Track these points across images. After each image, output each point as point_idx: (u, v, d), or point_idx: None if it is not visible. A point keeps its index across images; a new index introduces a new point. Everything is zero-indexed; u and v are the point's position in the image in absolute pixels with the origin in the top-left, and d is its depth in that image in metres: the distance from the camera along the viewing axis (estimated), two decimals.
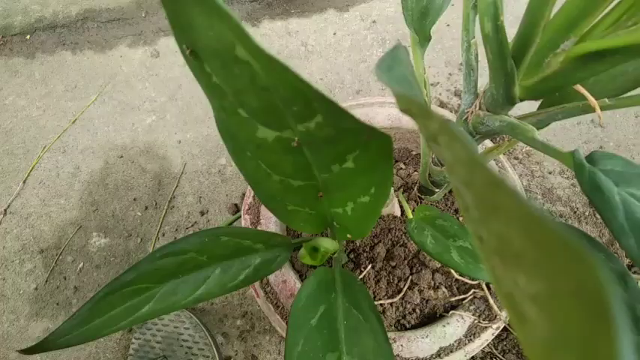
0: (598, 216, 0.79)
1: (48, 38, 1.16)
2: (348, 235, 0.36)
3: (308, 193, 0.30)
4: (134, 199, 0.91)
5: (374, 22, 1.07)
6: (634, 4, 0.23)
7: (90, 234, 0.89)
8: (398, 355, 0.50)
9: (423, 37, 0.42)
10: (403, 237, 0.59)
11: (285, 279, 0.53)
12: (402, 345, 0.50)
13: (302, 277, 0.56)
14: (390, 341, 0.41)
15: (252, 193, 0.58)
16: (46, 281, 0.85)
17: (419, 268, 0.56)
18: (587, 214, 0.80)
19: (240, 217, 0.85)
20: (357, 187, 0.29)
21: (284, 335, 0.53)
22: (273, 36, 1.09)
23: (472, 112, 0.38)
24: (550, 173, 0.84)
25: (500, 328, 0.51)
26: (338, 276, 0.37)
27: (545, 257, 0.07)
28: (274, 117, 0.22)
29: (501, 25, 0.26)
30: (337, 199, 0.31)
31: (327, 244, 0.37)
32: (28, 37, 1.17)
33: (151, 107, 1.02)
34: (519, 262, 0.08)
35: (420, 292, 0.55)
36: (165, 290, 0.34)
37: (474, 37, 0.35)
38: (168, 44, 1.11)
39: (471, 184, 0.10)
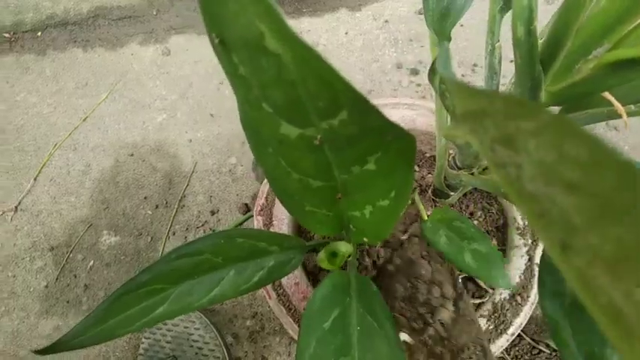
0: None
1: (59, 35, 1.17)
2: (365, 239, 0.35)
3: (326, 194, 0.30)
4: (145, 198, 0.91)
5: (386, 21, 1.06)
6: None
7: (100, 232, 0.89)
8: None
9: (443, 38, 0.42)
10: None
11: (298, 281, 0.53)
12: None
13: (314, 279, 0.56)
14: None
15: (265, 194, 0.58)
16: (57, 279, 0.85)
17: None
18: None
19: (250, 217, 0.85)
20: (377, 190, 0.29)
21: (295, 338, 0.53)
22: None
23: None
24: None
25: (515, 335, 0.50)
26: (353, 280, 0.37)
27: None
28: (299, 113, 0.21)
29: (534, 29, 0.26)
30: (356, 202, 0.30)
31: (344, 247, 0.36)
32: (39, 33, 1.17)
33: (162, 105, 1.02)
34: None
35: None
36: (180, 291, 0.34)
37: (499, 40, 0.34)
38: (179, 42, 1.11)
39: (584, 186, 0.09)
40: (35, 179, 0.96)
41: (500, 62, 0.36)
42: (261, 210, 0.58)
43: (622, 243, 0.08)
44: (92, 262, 0.86)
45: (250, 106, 0.22)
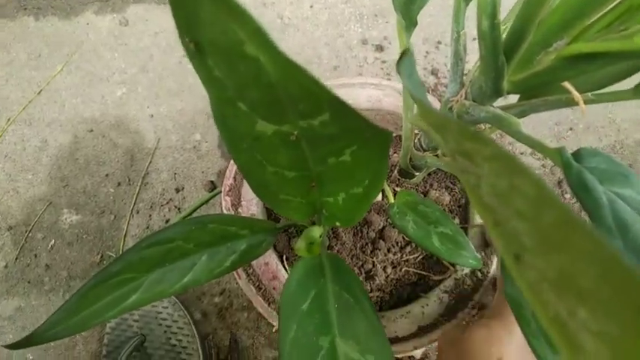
0: (566, 197, 0.82)
1: (8, 2, 1.09)
2: (337, 223, 0.36)
3: (301, 184, 0.30)
4: (106, 175, 0.89)
5: None
6: (627, 10, 0.23)
7: (60, 210, 0.87)
8: None
9: (410, 22, 0.42)
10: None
11: (268, 261, 0.54)
12: (383, 325, 0.51)
13: (282, 258, 0.57)
14: None
15: (233, 174, 0.58)
16: (16, 259, 0.83)
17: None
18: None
19: (217, 194, 0.84)
20: (351, 180, 0.30)
21: (265, 315, 0.54)
22: (248, 7, 1.06)
23: (457, 100, 0.38)
24: (522, 154, 0.86)
25: (476, 308, 0.53)
26: (326, 260, 0.37)
27: (621, 301, 0.07)
28: (276, 112, 0.21)
29: (498, 23, 0.26)
30: (330, 190, 0.31)
31: (316, 232, 0.37)
32: None
33: (121, 79, 0.99)
34: (583, 298, 0.09)
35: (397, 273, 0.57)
36: (152, 279, 0.34)
37: (464, 28, 0.35)
38: (138, 12, 1.06)
39: (531, 218, 0.10)
40: None
41: (465, 49, 0.37)
42: (230, 190, 0.58)
43: (563, 271, 0.09)
44: (53, 241, 0.84)
45: (225, 105, 0.22)
